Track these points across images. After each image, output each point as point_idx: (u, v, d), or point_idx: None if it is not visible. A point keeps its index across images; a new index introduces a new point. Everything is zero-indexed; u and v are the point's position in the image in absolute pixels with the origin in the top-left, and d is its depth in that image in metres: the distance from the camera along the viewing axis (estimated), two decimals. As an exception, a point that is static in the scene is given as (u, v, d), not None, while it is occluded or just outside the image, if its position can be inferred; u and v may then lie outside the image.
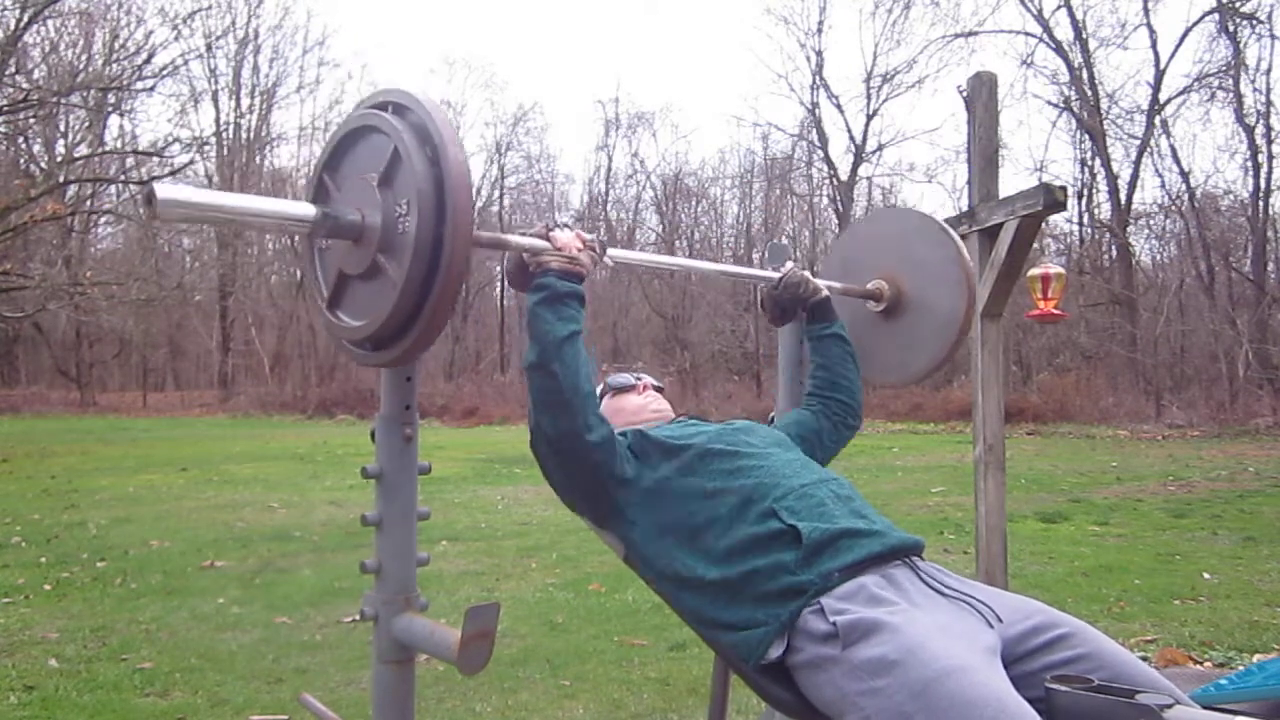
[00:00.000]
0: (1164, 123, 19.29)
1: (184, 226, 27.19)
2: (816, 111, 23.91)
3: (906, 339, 2.14)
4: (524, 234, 1.59)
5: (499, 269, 30.41)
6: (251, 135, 29.46)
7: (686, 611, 1.58)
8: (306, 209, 1.34)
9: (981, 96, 3.41)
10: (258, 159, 29.92)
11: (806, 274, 1.98)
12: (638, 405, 1.91)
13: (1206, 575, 4.92)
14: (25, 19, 15.43)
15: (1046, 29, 20.07)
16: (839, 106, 23.74)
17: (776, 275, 1.99)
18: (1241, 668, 2.80)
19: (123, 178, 19.07)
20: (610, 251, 1.65)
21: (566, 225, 1.57)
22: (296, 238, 1.59)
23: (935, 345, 2.09)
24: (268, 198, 1.32)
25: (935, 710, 1.18)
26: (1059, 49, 20.03)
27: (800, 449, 1.82)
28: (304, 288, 29.00)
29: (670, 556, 1.56)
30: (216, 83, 28.45)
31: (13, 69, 15.71)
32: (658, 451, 1.63)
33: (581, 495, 1.62)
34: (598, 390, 1.98)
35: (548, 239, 1.56)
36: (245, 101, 29.23)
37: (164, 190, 1.14)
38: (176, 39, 23.54)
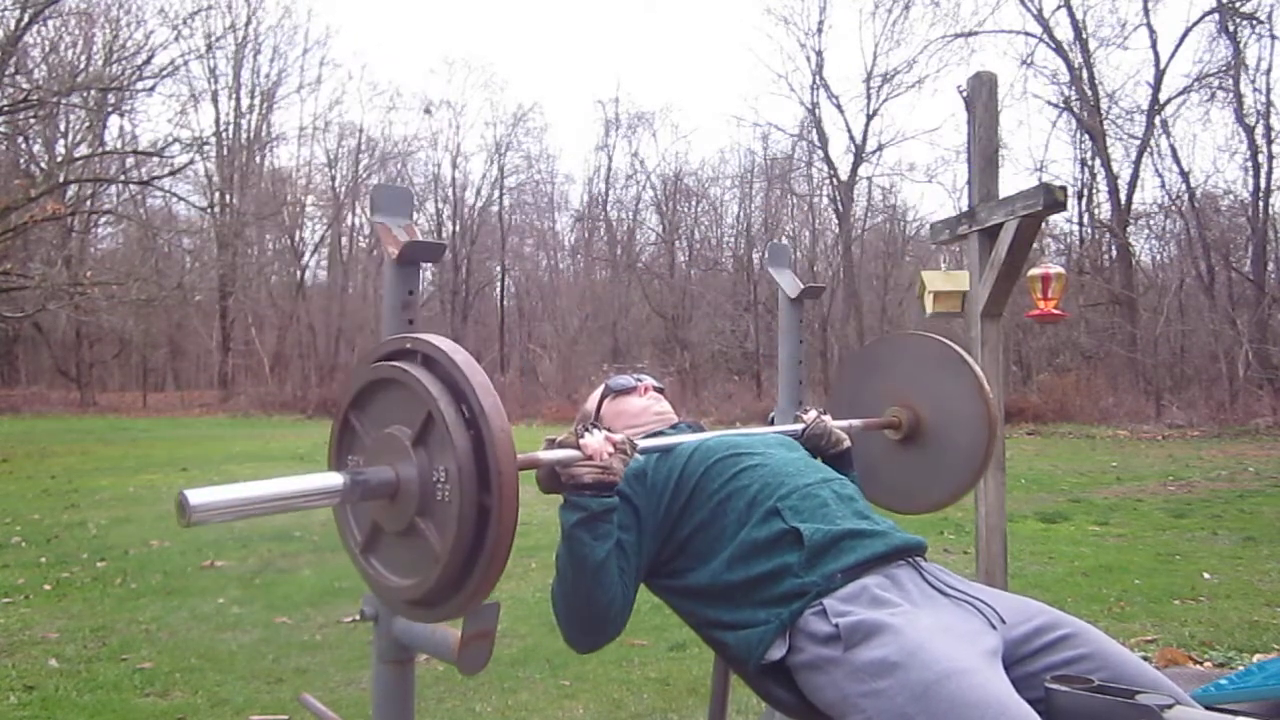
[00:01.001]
0: (1164, 123, 19.30)
1: (184, 226, 27.25)
2: (816, 111, 23.92)
3: (925, 468, 2.10)
4: (552, 441, 1.52)
5: (499, 269, 30.48)
6: (251, 135, 29.48)
7: (688, 615, 1.59)
8: (334, 480, 1.23)
9: (981, 96, 3.41)
10: (258, 159, 29.94)
11: (828, 421, 1.92)
12: (640, 408, 1.90)
13: (1206, 575, 4.92)
14: (25, 19, 15.44)
15: (1046, 29, 20.07)
16: (839, 106, 23.75)
17: (798, 428, 1.93)
18: (1241, 668, 2.80)
19: (123, 178, 19.08)
20: (642, 443, 1.60)
21: (595, 427, 1.53)
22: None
23: (956, 476, 2.06)
24: (294, 477, 1.23)
25: (936, 712, 1.18)
26: (1059, 49, 20.04)
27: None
28: (303, 290, 29.06)
29: (675, 573, 1.58)
30: (216, 83, 28.49)
31: (13, 69, 15.71)
32: (663, 488, 1.62)
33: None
34: (598, 393, 1.98)
35: (578, 447, 1.50)
36: (245, 101, 29.27)
37: (195, 496, 1.08)
38: (176, 39, 23.57)
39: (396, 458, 1.24)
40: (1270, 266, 18.93)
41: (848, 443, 1.93)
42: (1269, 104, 18.10)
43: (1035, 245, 3.60)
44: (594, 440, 1.50)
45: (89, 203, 20.08)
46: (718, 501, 1.56)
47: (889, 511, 1.91)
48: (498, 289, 30.63)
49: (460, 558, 1.17)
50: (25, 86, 15.79)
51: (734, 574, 1.49)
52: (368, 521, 1.32)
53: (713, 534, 1.54)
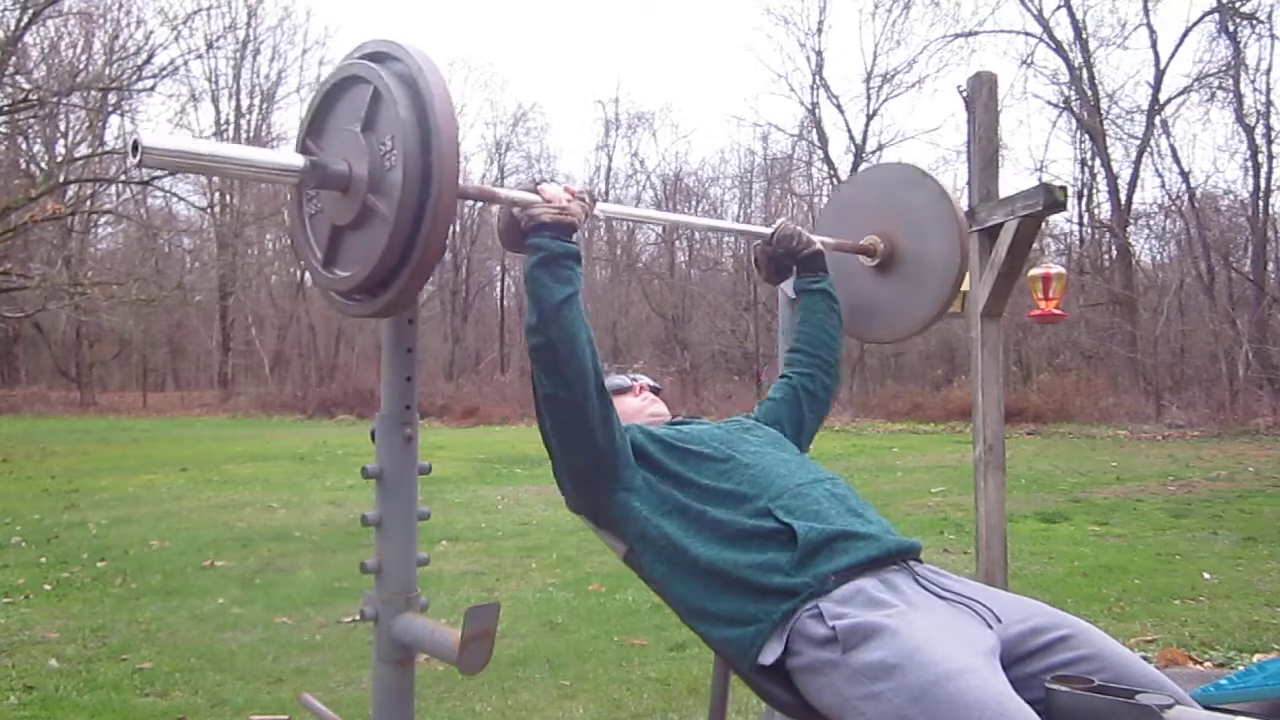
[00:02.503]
0: (1164, 123, 19.31)
1: (184, 226, 27.26)
2: (816, 111, 23.93)
3: (906, 289, 2.14)
4: (513, 190, 1.59)
5: (499, 268, 30.47)
6: (251, 135, 29.46)
7: (680, 603, 1.57)
8: (295, 159, 1.35)
9: (981, 96, 3.41)
10: (258, 162, 29.88)
11: (799, 228, 1.98)
12: (635, 408, 1.90)
13: (1206, 575, 4.92)
14: (25, 19, 15.43)
15: (1046, 29, 20.07)
16: (839, 106, 23.77)
17: (769, 231, 1.99)
18: (1241, 668, 2.80)
19: (123, 178, 19.05)
20: (601, 205, 1.64)
21: (554, 180, 1.58)
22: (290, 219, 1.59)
23: (935, 290, 2.09)
24: (256, 149, 1.32)
25: (935, 714, 1.18)
26: (1059, 49, 20.03)
27: (790, 432, 1.86)
28: (303, 290, 29.03)
29: (666, 534, 1.55)
30: (216, 83, 28.50)
31: (13, 69, 15.70)
32: (655, 445, 1.64)
33: (582, 464, 1.60)
34: None
35: (536, 192, 1.55)
36: (245, 101, 29.28)
37: (149, 138, 1.15)
38: (176, 39, 23.54)
39: (350, 153, 1.35)
40: (1270, 266, 18.93)
41: (819, 246, 2.00)
42: (1269, 104, 18.12)
43: (1035, 245, 3.60)
44: (553, 187, 1.55)
45: (89, 203, 20.05)
46: (708, 489, 1.57)
47: (879, 342, 1.92)
48: (498, 289, 30.63)
49: (407, 217, 1.26)
50: (25, 86, 15.78)
51: (725, 553, 1.48)
52: (326, 231, 1.44)
53: (703, 518, 1.54)
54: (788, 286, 2.34)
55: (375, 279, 1.35)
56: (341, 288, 1.42)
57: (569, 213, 1.53)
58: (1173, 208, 20.03)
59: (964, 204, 3.25)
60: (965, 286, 3.56)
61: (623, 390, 1.93)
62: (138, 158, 1.16)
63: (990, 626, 1.35)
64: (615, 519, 1.62)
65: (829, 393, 1.98)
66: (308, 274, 1.57)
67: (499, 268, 30.50)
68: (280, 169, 1.36)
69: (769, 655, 1.40)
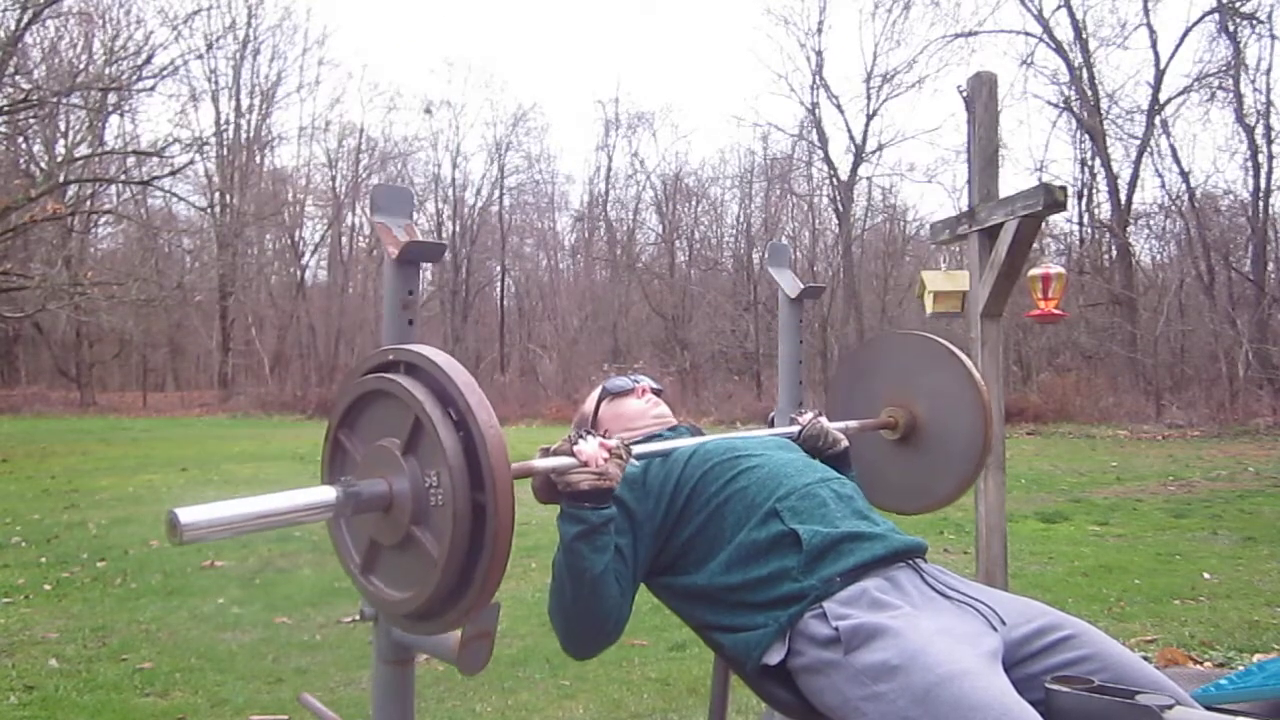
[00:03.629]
0: (1164, 123, 19.30)
1: (184, 226, 27.25)
2: (816, 111, 23.90)
3: (927, 465, 2.10)
4: (546, 450, 1.51)
5: (499, 268, 30.48)
6: (251, 135, 29.47)
7: (686, 616, 1.59)
8: (327, 494, 1.23)
9: (981, 96, 3.41)
10: (258, 159, 29.94)
11: (825, 423, 1.92)
12: (637, 410, 1.88)
13: (1206, 575, 4.92)
14: (25, 19, 15.43)
15: (1046, 29, 20.07)
16: (839, 106, 23.73)
17: (796, 430, 1.92)
18: (1241, 668, 2.80)
19: (123, 178, 19.06)
20: (636, 449, 1.59)
21: (590, 434, 1.51)
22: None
23: (958, 469, 2.05)
24: (286, 493, 1.22)
25: (938, 715, 1.18)
26: (1059, 49, 20.03)
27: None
28: (303, 290, 29.06)
29: (673, 573, 1.58)
30: (216, 83, 28.48)
31: (13, 69, 15.70)
32: (661, 493, 1.61)
33: None
34: (595, 394, 1.97)
35: (572, 454, 1.48)
36: (245, 101, 29.26)
37: (186, 515, 1.07)
38: (176, 39, 23.55)
39: (388, 470, 1.23)
40: (1270, 266, 18.92)
41: (845, 443, 1.92)
42: (1269, 104, 18.11)
43: (1035, 245, 3.60)
44: (589, 446, 1.47)
45: (89, 203, 20.06)
46: (715, 505, 1.55)
47: (896, 514, 1.90)
48: (498, 289, 30.63)
49: (458, 561, 1.16)
50: (25, 86, 15.78)
51: (731, 577, 1.48)
52: (364, 540, 1.31)
53: (711, 536, 1.54)
54: (787, 284, 2.34)
55: (427, 611, 1.25)
56: (394, 611, 1.31)
57: (608, 477, 1.47)
58: (1173, 208, 20.04)
59: (964, 204, 3.24)
60: (965, 286, 3.56)
61: (625, 392, 1.92)
62: (178, 537, 1.09)
63: (994, 628, 1.35)
64: None
65: None
66: (348, 575, 1.42)
67: (499, 268, 30.52)
68: (315, 508, 1.23)
69: (773, 657, 1.40)
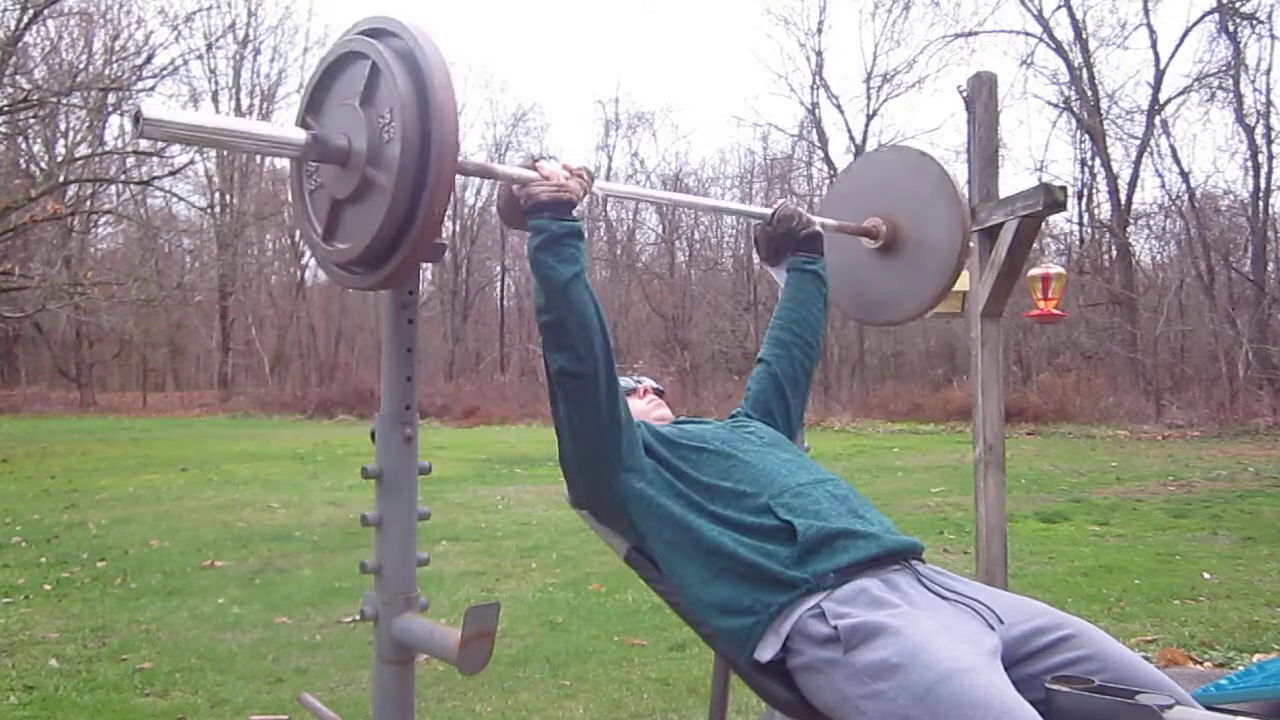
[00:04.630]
0: (1164, 123, 19.30)
1: (184, 226, 27.25)
2: (816, 111, 23.91)
3: (908, 272, 2.14)
4: (511, 167, 1.59)
5: (499, 269, 30.47)
6: (254, 134, 29.42)
7: (679, 589, 1.56)
8: (297, 133, 1.36)
9: (981, 96, 3.41)
10: (258, 159, 29.90)
11: (799, 208, 1.99)
12: (639, 410, 1.89)
13: (1206, 575, 4.92)
14: (25, 19, 15.42)
15: (1046, 29, 20.07)
16: (839, 106, 23.75)
17: (769, 211, 2.00)
18: (1241, 668, 2.80)
19: (123, 178, 19.06)
20: (599, 183, 1.65)
21: (553, 158, 1.57)
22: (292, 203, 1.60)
23: (937, 272, 2.09)
24: (257, 122, 1.34)
25: (939, 713, 1.18)
26: (1059, 49, 20.03)
27: (780, 421, 1.88)
28: (303, 290, 29.05)
29: (670, 511, 1.56)
30: (216, 82, 28.49)
31: (13, 69, 15.70)
32: (659, 441, 1.66)
33: (591, 441, 1.60)
34: None
35: (534, 169, 1.55)
36: (245, 101, 29.25)
37: (151, 110, 1.16)
38: (176, 39, 23.55)
39: (349, 128, 1.35)
40: (1270, 266, 18.92)
41: (817, 227, 2.00)
42: (1269, 104, 18.12)
43: (1035, 245, 3.60)
44: (551, 164, 1.55)
45: (89, 203, 20.04)
46: (710, 485, 1.57)
47: (885, 325, 1.93)
48: (498, 289, 30.62)
49: (406, 188, 1.27)
50: (25, 86, 15.78)
51: (725, 534, 1.48)
52: (325, 205, 1.44)
53: (705, 510, 1.55)
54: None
55: (375, 250, 1.37)
56: (341, 259, 1.44)
57: (567, 190, 1.54)
58: (1173, 208, 20.04)
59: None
60: (965, 286, 3.56)
61: (627, 392, 1.93)
62: (139, 128, 1.16)
63: (993, 627, 1.35)
64: (620, 500, 1.61)
65: (810, 373, 2.00)
66: (309, 252, 1.54)
67: (499, 268, 30.51)
68: (281, 142, 1.37)
69: (766, 651, 1.40)
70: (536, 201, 1.53)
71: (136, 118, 1.16)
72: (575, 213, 1.57)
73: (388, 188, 1.28)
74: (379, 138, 1.32)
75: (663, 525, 1.57)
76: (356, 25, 1.44)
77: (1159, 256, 22.27)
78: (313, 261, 30.29)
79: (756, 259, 2.27)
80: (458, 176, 1.37)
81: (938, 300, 2.14)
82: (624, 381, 1.94)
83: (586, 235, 1.61)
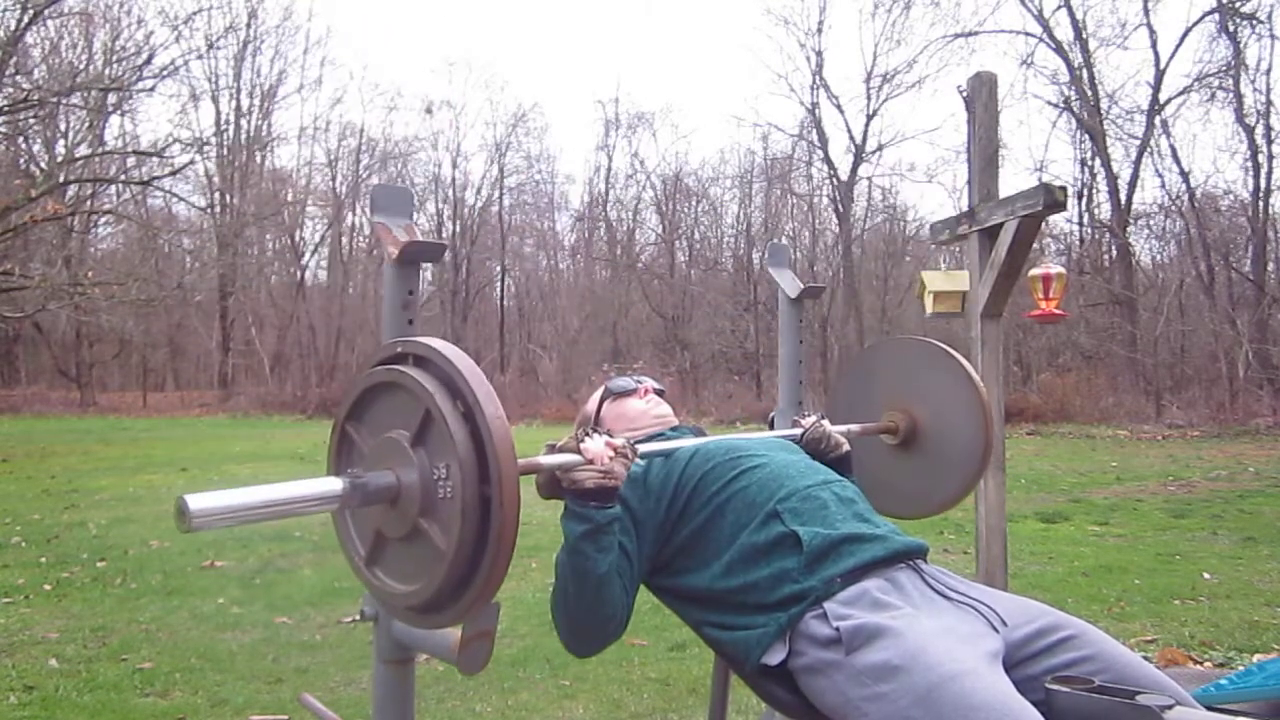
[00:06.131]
0: (1164, 123, 19.29)
1: (184, 226, 27.24)
2: (816, 111, 23.90)
3: (927, 469, 2.10)
4: (552, 446, 1.51)
5: (499, 269, 30.47)
6: (251, 135, 29.46)
7: (686, 617, 1.59)
8: (333, 485, 1.23)
9: (981, 96, 3.41)
10: (258, 159, 29.93)
11: (827, 427, 1.92)
12: (639, 411, 1.89)
13: (1206, 575, 4.92)
14: (25, 19, 15.42)
15: (1046, 29, 20.06)
16: (839, 106, 23.73)
17: (797, 432, 1.93)
18: (1241, 668, 2.80)
19: (123, 178, 19.07)
20: (642, 448, 1.59)
21: (595, 432, 1.51)
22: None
23: (959, 472, 2.05)
24: (293, 483, 1.23)
25: (940, 715, 1.18)
26: (1059, 49, 20.02)
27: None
28: (303, 290, 29.06)
29: (674, 574, 1.58)
30: (217, 83, 28.47)
31: (13, 69, 15.70)
32: (661, 493, 1.61)
33: None
34: (598, 394, 1.97)
35: (579, 451, 1.48)
36: (245, 101, 29.25)
37: (195, 502, 1.07)
38: (177, 40, 23.55)
39: (396, 462, 1.23)
40: (1270, 266, 18.92)
41: (846, 446, 1.93)
42: (1269, 104, 18.11)
43: (1035, 245, 3.59)
44: (594, 445, 1.47)
45: (89, 203, 20.05)
46: (716, 505, 1.56)
47: (898, 519, 1.90)
48: (498, 289, 30.63)
49: (466, 553, 1.16)
50: (25, 86, 15.78)
51: (732, 579, 1.49)
52: (370, 532, 1.31)
53: (712, 536, 1.54)
54: (787, 284, 2.34)
55: (432, 604, 1.25)
56: (397, 604, 1.31)
57: (613, 475, 1.47)
58: (1173, 208, 20.04)
59: (964, 204, 3.24)
60: (965, 286, 3.56)
61: (628, 393, 1.92)
62: (187, 524, 1.11)
63: (995, 629, 1.35)
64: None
65: None
66: (353, 566, 1.41)
67: (499, 268, 30.51)
68: (320, 499, 1.23)
69: (774, 657, 1.40)
70: (582, 489, 1.47)
71: (183, 512, 1.08)
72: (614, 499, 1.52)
73: (445, 552, 1.18)
74: (434, 489, 1.21)
75: (669, 594, 1.63)
76: (399, 344, 1.31)
77: (1159, 256, 22.30)
78: (313, 261, 30.30)
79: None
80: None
81: (956, 499, 2.09)
82: (624, 382, 1.94)
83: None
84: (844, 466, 1.90)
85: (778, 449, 1.71)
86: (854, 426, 2.06)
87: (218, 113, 28.63)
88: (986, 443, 1.99)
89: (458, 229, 28.83)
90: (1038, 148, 37.90)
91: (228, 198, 28.21)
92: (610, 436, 1.51)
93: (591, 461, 1.46)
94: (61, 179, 16.90)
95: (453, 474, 1.17)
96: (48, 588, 4.87)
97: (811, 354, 21.23)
